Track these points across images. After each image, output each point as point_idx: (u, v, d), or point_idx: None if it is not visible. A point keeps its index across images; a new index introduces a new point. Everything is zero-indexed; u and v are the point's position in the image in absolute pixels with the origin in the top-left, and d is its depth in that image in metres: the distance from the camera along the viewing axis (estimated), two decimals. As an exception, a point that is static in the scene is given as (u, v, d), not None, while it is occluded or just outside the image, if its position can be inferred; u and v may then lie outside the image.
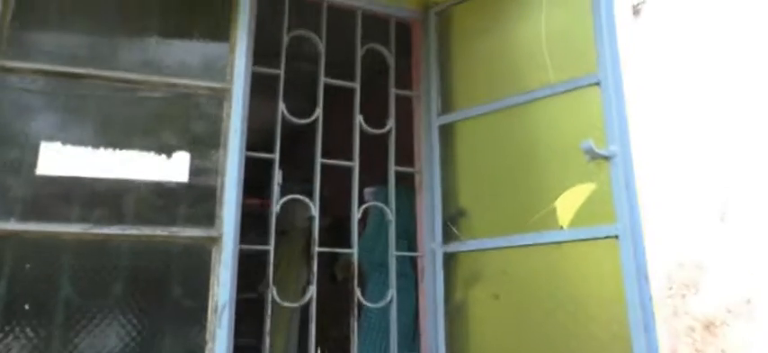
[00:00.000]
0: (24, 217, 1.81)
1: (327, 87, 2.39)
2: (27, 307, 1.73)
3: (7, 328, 1.71)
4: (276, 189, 2.22)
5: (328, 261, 2.99)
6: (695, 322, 2.26)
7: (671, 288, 2.34)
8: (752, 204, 2.28)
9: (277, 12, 2.35)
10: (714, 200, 2.44)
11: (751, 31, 2.30)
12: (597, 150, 1.83)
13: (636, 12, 2.75)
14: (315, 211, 2.27)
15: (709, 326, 2.22)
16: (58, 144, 1.90)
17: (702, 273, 2.27)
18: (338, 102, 2.51)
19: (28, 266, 1.78)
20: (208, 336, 1.83)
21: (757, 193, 2.27)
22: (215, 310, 1.85)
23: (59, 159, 1.87)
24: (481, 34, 2.44)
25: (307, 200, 2.27)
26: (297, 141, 2.63)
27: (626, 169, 1.84)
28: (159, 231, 1.89)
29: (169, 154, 1.97)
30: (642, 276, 1.74)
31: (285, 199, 2.22)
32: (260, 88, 2.22)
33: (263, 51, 2.24)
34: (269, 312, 2.11)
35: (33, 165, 1.85)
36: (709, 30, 2.56)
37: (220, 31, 2.09)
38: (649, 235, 2.42)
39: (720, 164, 2.40)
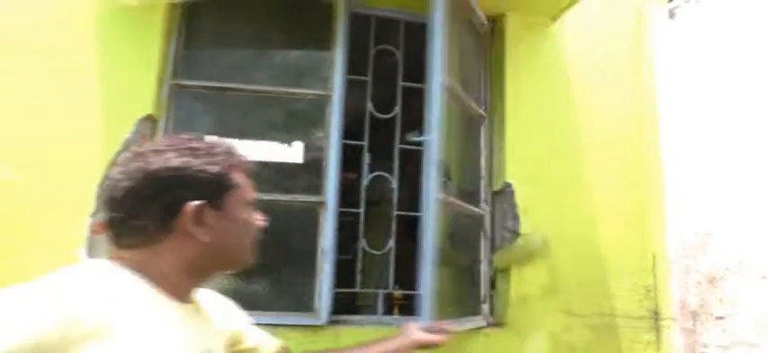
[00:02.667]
0: (197, 187, 2.69)
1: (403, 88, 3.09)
2: (202, 246, 2.62)
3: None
4: (365, 167, 2.96)
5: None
6: (702, 277, 2.78)
7: (685, 250, 2.87)
8: (750, 188, 2.79)
9: (365, 30, 3.07)
10: (724, 182, 2.96)
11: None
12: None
13: (671, 15, 3.22)
14: (394, 184, 3.00)
15: (712, 280, 2.72)
16: (215, 137, 2.75)
17: (710, 239, 2.77)
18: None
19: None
20: (318, 270, 2.64)
21: (756, 179, 2.78)
22: (322, 252, 2.65)
23: (218, 148, 2.73)
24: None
25: (388, 175, 3.00)
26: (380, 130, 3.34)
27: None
28: (284, 197, 2.71)
29: (289, 143, 2.77)
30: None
31: (372, 175, 2.96)
32: (352, 89, 2.96)
33: (353, 60, 2.97)
34: (360, 256, 2.87)
35: (201, 151, 2.73)
36: (732, 33, 3.04)
37: (324, 49, 2.84)
38: (674, 210, 2.96)
39: (732, 155, 2.91)
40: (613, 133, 3.12)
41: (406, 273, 3.11)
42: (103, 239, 2.40)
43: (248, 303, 2.58)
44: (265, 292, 2.63)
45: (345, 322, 2.60)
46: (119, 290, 0.92)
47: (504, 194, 2.95)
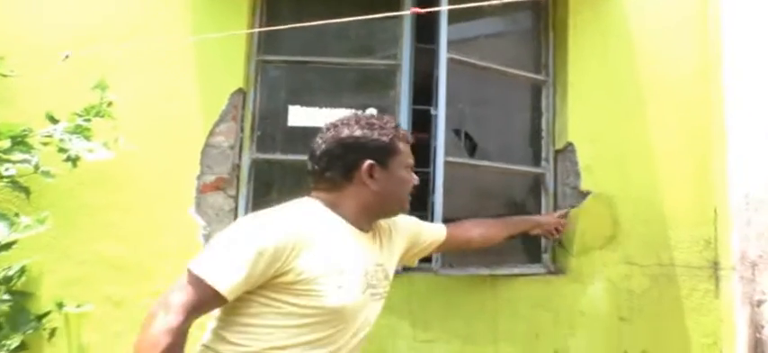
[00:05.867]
0: (283, 151, 3.02)
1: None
2: (290, 204, 2.96)
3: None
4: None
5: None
6: (764, 228, 2.87)
7: (748, 203, 2.95)
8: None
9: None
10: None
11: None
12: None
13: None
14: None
15: (763, 233, 2.81)
16: (297, 106, 3.06)
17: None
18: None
19: (288, 179, 3.01)
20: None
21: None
22: (396, 208, 2.92)
23: (300, 116, 3.04)
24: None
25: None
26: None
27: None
28: (360, 159, 2.99)
29: (363, 109, 3.02)
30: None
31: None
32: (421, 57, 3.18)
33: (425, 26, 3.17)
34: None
35: (285, 119, 3.04)
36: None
37: (392, 22, 3.06)
38: (737, 165, 3.03)
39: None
40: (676, 89, 3.17)
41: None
42: (209, 198, 2.76)
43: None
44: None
45: (418, 270, 2.88)
46: (318, 218, 1.42)
47: (565, 153, 3.11)
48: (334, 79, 3.12)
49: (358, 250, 1.44)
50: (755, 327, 2.77)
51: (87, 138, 2.39)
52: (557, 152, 3.17)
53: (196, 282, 1.24)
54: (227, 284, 1.22)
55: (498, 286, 2.90)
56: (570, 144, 3.10)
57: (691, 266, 2.99)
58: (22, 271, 2.57)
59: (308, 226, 1.36)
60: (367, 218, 1.52)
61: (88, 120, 2.36)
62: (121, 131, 2.58)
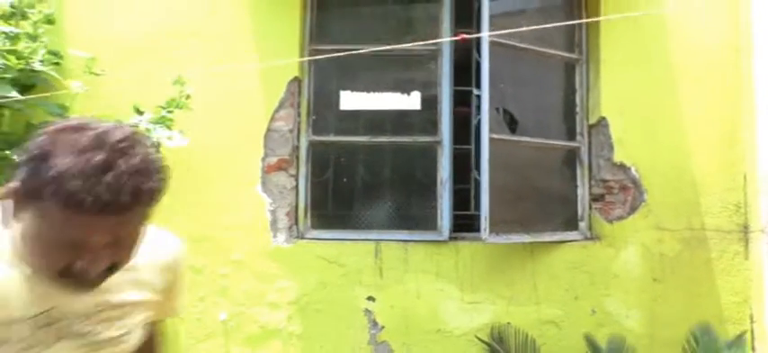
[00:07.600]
0: (336, 133, 3.31)
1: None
2: (345, 180, 3.26)
3: (336, 192, 3.27)
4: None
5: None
6: None
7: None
8: None
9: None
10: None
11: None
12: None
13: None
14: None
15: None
16: (349, 92, 3.33)
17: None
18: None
19: (342, 159, 3.30)
20: (438, 197, 3.20)
21: None
22: (441, 182, 3.19)
23: (352, 100, 3.31)
24: None
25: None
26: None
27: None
28: (406, 139, 3.27)
29: (408, 92, 3.29)
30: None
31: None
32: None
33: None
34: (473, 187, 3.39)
35: (338, 104, 3.32)
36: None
37: (434, 7, 3.30)
38: (765, 135, 3.15)
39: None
40: (707, 60, 3.30)
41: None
42: (273, 177, 3.06)
43: (384, 224, 3.23)
44: (398, 215, 3.25)
45: (463, 239, 3.14)
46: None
47: (599, 128, 3.31)
48: (381, 64, 3.37)
49: (34, 297, 0.94)
50: (783, 285, 2.95)
51: (169, 127, 2.72)
52: (590, 127, 3.37)
53: None
54: None
55: (538, 252, 3.14)
56: (603, 118, 3.29)
57: (721, 229, 3.17)
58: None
59: None
60: None
61: (171, 111, 2.68)
62: (195, 120, 2.91)
